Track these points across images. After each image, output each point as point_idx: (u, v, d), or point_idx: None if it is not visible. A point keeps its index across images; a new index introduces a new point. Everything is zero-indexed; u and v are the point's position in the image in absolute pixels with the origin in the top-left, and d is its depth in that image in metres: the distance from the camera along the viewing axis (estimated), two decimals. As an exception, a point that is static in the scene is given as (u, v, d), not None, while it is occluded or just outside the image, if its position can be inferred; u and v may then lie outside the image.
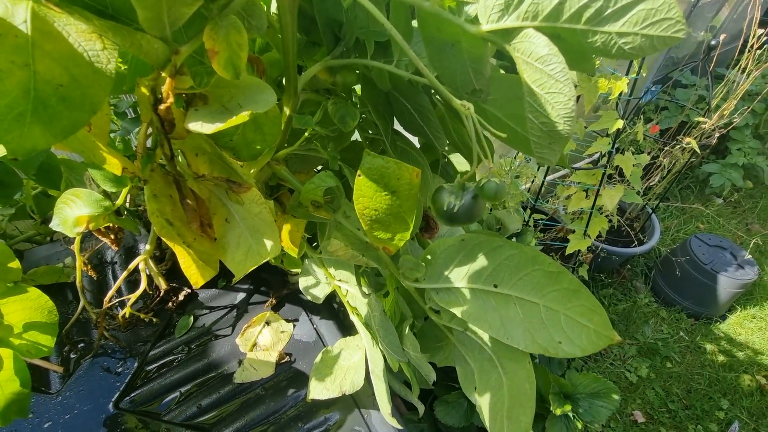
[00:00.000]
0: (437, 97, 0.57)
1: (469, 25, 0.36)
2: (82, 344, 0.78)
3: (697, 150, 1.94)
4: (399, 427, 0.69)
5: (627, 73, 1.55)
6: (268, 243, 0.48)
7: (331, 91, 0.55)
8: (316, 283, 0.77)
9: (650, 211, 2.50)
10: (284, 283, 0.92)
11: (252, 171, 0.52)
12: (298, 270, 0.80)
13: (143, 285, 0.67)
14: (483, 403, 0.53)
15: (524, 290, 0.47)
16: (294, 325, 0.84)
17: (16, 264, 0.59)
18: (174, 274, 0.88)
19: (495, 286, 0.48)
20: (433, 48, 0.40)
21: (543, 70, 0.33)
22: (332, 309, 0.88)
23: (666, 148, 2.14)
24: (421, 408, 0.73)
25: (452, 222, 0.44)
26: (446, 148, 0.66)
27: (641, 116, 2.56)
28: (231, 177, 0.47)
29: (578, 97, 1.52)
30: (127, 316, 0.78)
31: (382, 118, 0.54)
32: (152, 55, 0.36)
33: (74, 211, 0.56)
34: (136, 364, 0.76)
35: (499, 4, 0.34)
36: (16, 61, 0.29)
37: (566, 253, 1.98)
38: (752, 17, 1.88)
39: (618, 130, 1.62)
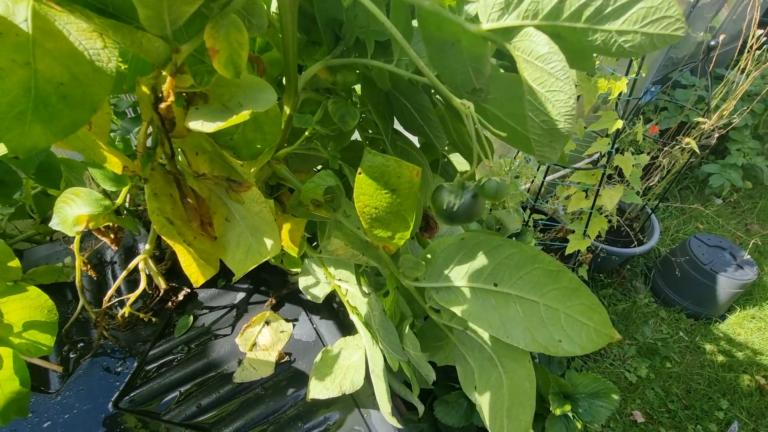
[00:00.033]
0: (437, 96, 0.57)
1: (470, 24, 0.36)
2: (81, 344, 0.78)
3: (697, 150, 1.94)
4: (399, 426, 0.69)
5: (626, 74, 1.55)
6: (268, 242, 0.48)
7: (332, 91, 0.55)
8: (316, 283, 0.77)
9: (650, 211, 2.50)
10: (284, 283, 0.92)
11: (252, 170, 0.52)
12: (298, 269, 0.80)
13: (143, 284, 0.67)
14: (483, 402, 0.53)
15: (524, 289, 0.47)
16: (294, 325, 0.84)
17: (15, 263, 0.59)
18: (173, 273, 0.88)
19: (495, 285, 0.48)
20: (433, 47, 0.40)
21: (543, 69, 0.33)
22: (332, 309, 0.88)
23: (665, 149, 2.14)
24: (420, 408, 0.73)
25: (452, 221, 0.44)
26: (446, 148, 0.66)
27: (641, 116, 2.56)
28: (231, 176, 0.47)
29: (578, 97, 1.52)
30: (126, 315, 0.78)
31: (382, 118, 0.54)
32: (153, 53, 0.36)
33: (74, 210, 0.56)
34: (135, 364, 0.76)
35: (499, 3, 0.34)
36: (16, 59, 0.29)
37: (566, 253, 1.98)
38: (752, 18, 1.89)
39: (617, 130, 1.62)
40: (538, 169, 2.05)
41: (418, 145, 0.63)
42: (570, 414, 1.29)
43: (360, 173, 0.43)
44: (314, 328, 0.84)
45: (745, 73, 1.99)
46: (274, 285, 0.91)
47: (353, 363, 0.70)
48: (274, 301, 0.88)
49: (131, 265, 0.64)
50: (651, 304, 2.55)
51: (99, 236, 0.65)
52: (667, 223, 3.00)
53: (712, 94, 2.01)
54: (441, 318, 0.59)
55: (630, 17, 0.30)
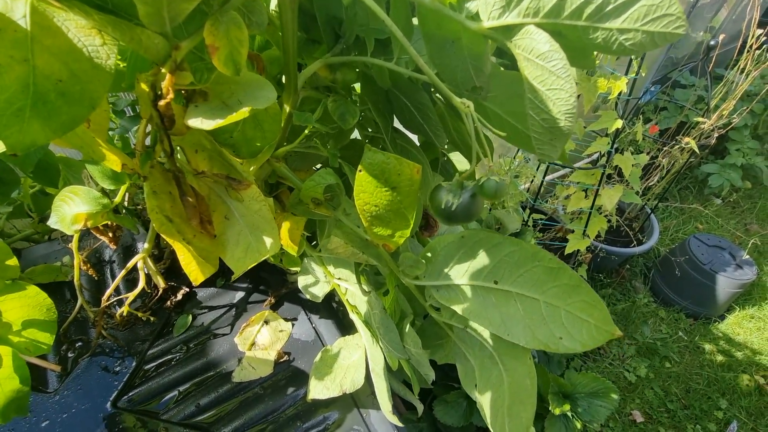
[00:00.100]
0: (437, 94, 0.57)
1: (470, 21, 0.36)
2: (79, 343, 0.78)
3: (696, 150, 1.94)
4: (399, 425, 0.68)
5: (626, 73, 1.55)
6: (268, 240, 0.48)
7: (331, 89, 0.55)
8: (316, 282, 0.77)
9: (649, 211, 2.50)
10: (283, 282, 0.91)
11: (252, 168, 0.52)
12: (298, 268, 0.80)
13: (141, 283, 0.66)
14: (484, 400, 0.52)
15: (525, 286, 0.47)
16: (293, 324, 0.84)
17: (13, 261, 0.59)
18: (172, 272, 0.88)
19: (495, 283, 0.48)
20: (434, 45, 0.40)
21: (544, 67, 0.33)
22: (331, 308, 0.88)
23: (665, 149, 2.14)
24: (420, 407, 0.73)
25: (450, 221, 0.44)
26: (446, 147, 0.66)
27: (640, 116, 2.56)
28: (231, 174, 0.47)
29: (578, 97, 1.51)
30: (125, 314, 0.78)
31: (381, 116, 0.54)
32: (152, 50, 0.36)
33: (72, 209, 0.56)
34: (134, 363, 0.76)
35: (500, 1, 0.34)
36: (15, 56, 0.29)
37: (565, 253, 1.98)
38: (751, 18, 1.89)
39: (617, 130, 1.62)
40: (537, 169, 2.05)
41: (417, 144, 0.63)
42: (569, 413, 1.29)
43: (360, 171, 0.43)
44: (313, 328, 0.84)
45: (744, 73, 2.00)
46: (273, 284, 0.91)
47: (353, 362, 0.70)
48: (273, 301, 0.87)
49: (130, 264, 0.64)
50: (650, 303, 2.55)
51: (97, 235, 0.65)
52: (667, 223, 3.00)
53: (712, 94, 2.01)
54: (441, 316, 0.59)
55: (631, 15, 0.30)
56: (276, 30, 0.50)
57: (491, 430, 0.52)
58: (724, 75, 2.23)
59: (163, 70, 0.37)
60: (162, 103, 0.38)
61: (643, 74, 1.58)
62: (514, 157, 2.03)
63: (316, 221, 0.65)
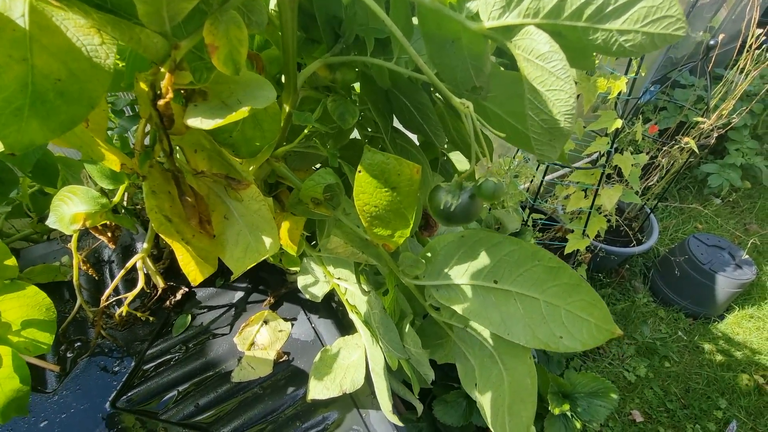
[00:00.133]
0: (437, 94, 0.57)
1: (470, 21, 0.36)
2: (78, 343, 0.78)
3: (696, 150, 1.94)
4: (399, 424, 0.68)
5: (626, 73, 1.55)
6: (267, 240, 0.48)
7: (331, 89, 0.55)
8: (315, 282, 0.77)
9: (649, 211, 2.50)
10: (283, 282, 0.91)
11: (251, 168, 0.52)
12: (297, 268, 0.80)
13: (141, 283, 0.66)
14: (484, 399, 0.52)
15: (524, 286, 0.47)
16: (292, 324, 0.84)
17: (12, 261, 0.59)
18: (172, 272, 0.88)
19: (495, 282, 0.48)
20: (433, 45, 0.40)
21: (544, 68, 0.33)
22: (331, 308, 0.88)
23: (664, 148, 2.14)
24: (419, 407, 0.73)
25: (449, 222, 0.44)
26: (445, 146, 0.66)
27: (640, 116, 2.56)
28: (230, 173, 0.47)
29: (577, 96, 1.52)
30: (124, 314, 0.77)
31: (381, 116, 0.54)
32: (151, 49, 0.36)
33: (71, 208, 0.56)
34: (133, 363, 0.75)
35: (500, 1, 0.34)
36: (13, 55, 0.29)
37: (565, 253, 1.97)
38: (751, 18, 1.89)
39: (617, 129, 1.62)
40: (537, 169, 2.05)
41: (417, 144, 0.63)
42: (569, 413, 1.29)
43: (360, 171, 0.43)
44: (313, 328, 0.84)
45: (744, 73, 2.00)
46: (272, 284, 0.91)
47: (353, 362, 0.70)
48: (272, 300, 0.87)
49: (129, 264, 0.64)
50: (650, 303, 2.56)
51: (96, 235, 0.65)
52: (666, 222, 3.00)
53: (711, 93, 2.01)
54: (441, 316, 0.59)
55: (631, 16, 0.30)
56: (275, 29, 0.50)
57: (491, 429, 0.52)
58: (723, 75, 2.23)
59: (163, 70, 0.37)
60: (161, 102, 0.38)
61: (643, 74, 1.58)
62: (514, 157, 2.03)
63: (316, 221, 0.65)
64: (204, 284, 0.88)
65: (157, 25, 0.35)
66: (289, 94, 0.48)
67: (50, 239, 0.94)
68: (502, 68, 0.46)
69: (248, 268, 0.48)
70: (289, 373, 0.77)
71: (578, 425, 1.29)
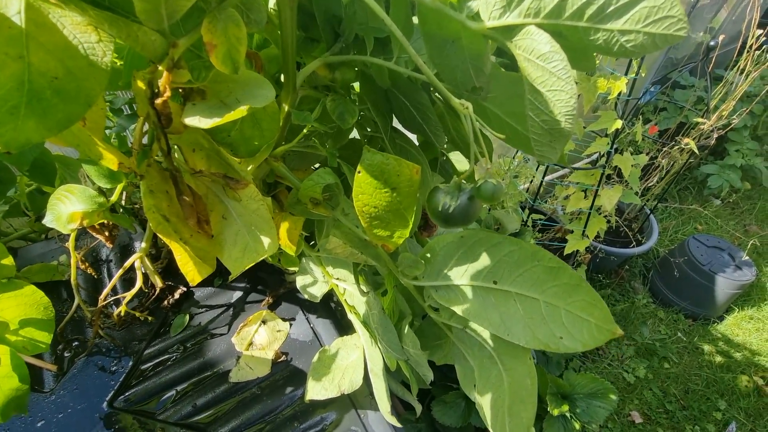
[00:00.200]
0: (436, 94, 0.57)
1: (471, 21, 0.35)
2: (76, 343, 0.77)
3: (696, 151, 1.94)
4: (397, 425, 0.68)
5: (626, 74, 1.55)
6: (266, 240, 0.47)
7: (330, 88, 0.54)
8: (314, 282, 0.77)
9: (648, 211, 2.50)
10: (281, 282, 0.91)
11: (250, 167, 0.51)
12: (296, 268, 0.80)
13: (139, 283, 0.66)
14: (483, 400, 0.52)
15: (524, 286, 0.47)
16: (291, 324, 0.84)
17: (9, 260, 0.58)
18: (170, 272, 0.87)
19: (495, 283, 0.48)
20: (433, 45, 0.40)
21: (545, 68, 0.33)
22: (329, 308, 0.87)
23: (664, 149, 2.14)
24: (418, 408, 0.73)
25: (447, 224, 0.43)
26: (445, 146, 0.66)
27: (640, 117, 2.56)
28: (228, 173, 0.47)
29: (577, 97, 1.51)
30: (122, 314, 0.77)
31: (381, 116, 0.54)
32: (149, 47, 0.35)
33: (68, 207, 0.55)
34: (131, 363, 0.75)
35: (501, 1, 0.33)
36: (9, 53, 0.29)
37: (564, 254, 1.97)
38: (751, 18, 1.89)
39: (617, 130, 1.62)
40: (537, 169, 2.05)
41: (416, 144, 0.62)
42: (568, 414, 1.29)
43: (359, 172, 0.43)
44: (311, 328, 0.84)
45: (744, 74, 2.00)
46: (271, 284, 0.91)
47: (351, 363, 0.70)
48: (271, 300, 0.87)
49: (127, 264, 0.63)
50: (649, 304, 2.56)
51: (94, 234, 0.65)
52: (666, 223, 3.00)
53: (712, 94, 2.01)
54: (440, 317, 0.59)
55: (632, 16, 0.30)
56: (275, 28, 0.50)
57: (491, 430, 0.52)
58: (723, 76, 2.23)
59: (160, 68, 0.36)
60: (159, 101, 0.37)
61: (643, 75, 1.58)
62: (514, 157, 2.02)
63: (315, 221, 0.65)
64: (202, 284, 0.88)
65: (155, 22, 0.35)
66: (288, 94, 0.48)
67: (48, 238, 0.94)
68: (502, 69, 0.46)
69: (246, 268, 0.48)
70: (287, 373, 0.77)
71: (577, 426, 1.29)
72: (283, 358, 0.78)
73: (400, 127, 0.59)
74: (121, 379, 0.73)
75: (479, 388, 0.53)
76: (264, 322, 0.83)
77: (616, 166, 1.78)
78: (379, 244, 0.50)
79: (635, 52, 0.31)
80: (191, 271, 0.49)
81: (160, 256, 0.87)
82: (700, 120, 2.04)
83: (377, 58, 0.47)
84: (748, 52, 1.94)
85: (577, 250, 2.00)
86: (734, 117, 2.14)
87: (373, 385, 0.66)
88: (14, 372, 0.56)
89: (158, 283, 0.70)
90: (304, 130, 0.54)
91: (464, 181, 0.43)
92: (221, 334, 0.81)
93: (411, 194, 0.45)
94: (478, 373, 0.54)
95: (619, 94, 1.51)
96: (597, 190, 1.82)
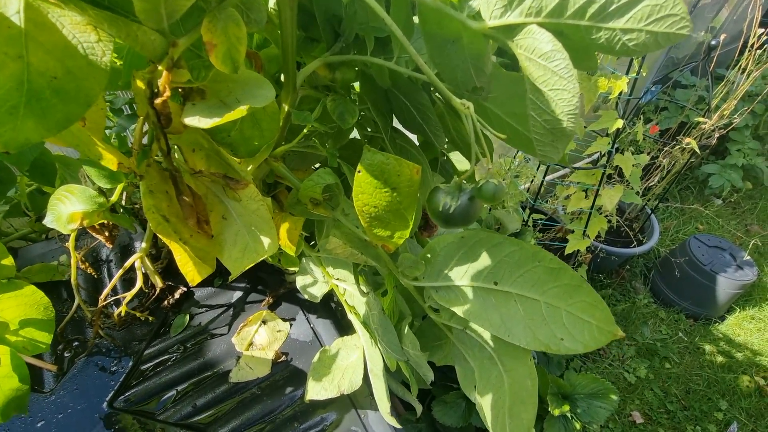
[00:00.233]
0: (437, 94, 0.56)
1: (472, 21, 0.35)
2: (76, 343, 0.77)
3: (697, 150, 1.94)
4: (397, 426, 0.68)
5: (627, 73, 1.54)
6: (266, 240, 0.47)
7: (330, 88, 0.54)
8: (314, 282, 0.77)
9: (649, 211, 2.50)
10: (281, 282, 0.91)
11: (249, 167, 0.51)
12: (296, 268, 0.80)
13: (139, 283, 0.66)
14: (484, 402, 0.52)
15: (525, 287, 0.47)
16: (291, 324, 0.84)
17: (9, 260, 0.58)
18: (170, 272, 0.87)
19: (495, 284, 0.48)
20: (434, 44, 0.40)
21: (546, 67, 0.33)
22: (330, 308, 0.87)
23: (665, 149, 2.14)
24: (419, 408, 0.72)
25: (448, 224, 0.43)
26: (445, 146, 0.66)
27: (641, 116, 2.56)
28: (228, 173, 0.47)
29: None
30: (122, 314, 0.77)
31: (381, 116, 0.54)
32: (149, 47, 0.35)
33: (68, 208, 0.55)
34: (131, 363, 0.75)
35: (502, 0, 0.33)
36: (9, 52, 0.29)
37: (565, 253, 1.97)
38: (752, 18, 1.88)
39: (618, 130, 1.61)
40: (537, 169, 2.04)
41: (417, 144, 0.62)
42: (568, 414, 1.29)
43: (359, 171, 0.42)
44: (311, 328, 0.84)
45: (745, 73, 1.99)
46: (271, 284, 0.91)
47: (351, 363, 0.70)
48: (271, 300, 0.87)
49: (127, 264, 0.63)
50: (650, 304, 2.55)
51: (94, 234, 0.65)
52: (667, 223, 3.00)
53: (713, 94, 2.00)
54: (440, 317, 0.59)
55: (634, 15, 0.30)
56: (275, 28, 0.50)
57: (491, 431, 0.52)
58: (725, 75, 2.23)
59: (160, 68, 0.36)
60: (158, 101, 0.37)
61: (644, 74, 1.58)
62: (514, 157, 2.02)
63: (315, 221, 0.65)
64: (202, 284, 0.88)
65: (155, 22, 0.34)
66: (288, 93, 0.48)
67: (48, 238, 0.94)
68: (503, 69, 0.46)
69: (246, 268, 0.48)
70: (287, 373, 0.77)
71: (578, 426, 1.28)
72: (283, 358, 0.78)
73: (400, 127, 0.59)
74: (121, 380, 0.73)
75: (479, 389, 0.53)
76: (264, 322, 0.83)
77: (617, 166, 1.77)
78: (379, 245, 0.50)
79: (637, 51, 0.31)
80: (191, 271, 0.49)
81: (160, 256, 0.87)
82: (701, 119, 2.04)
83: (378, 58, 0.47)
84: (749, 51, 1.94)
85: (578, 250, 2.00)
86: (735, 116, 2.14)
87: (373, 385, 0.66)
88: (14, 372, 0.56)
89: (158, 283, 0.69)
90: (304, 130, 0.54)
91: (465, 182, 0.43)
92: (221, 334, 0.81)
93: (411, 194, 0.44)
94: (479, 374, 0.53)
95: (620, 93, 1.51)
96: (598, 190, 1.82)
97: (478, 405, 0.53)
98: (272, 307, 0.86)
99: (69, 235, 0.64)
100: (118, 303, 0.80)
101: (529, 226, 2.11)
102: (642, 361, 2.26)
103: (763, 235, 2.91)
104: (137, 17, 0.34)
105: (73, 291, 0.70)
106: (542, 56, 0.32)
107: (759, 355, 2.32)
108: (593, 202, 1.86)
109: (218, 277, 0.91)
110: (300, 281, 0.78)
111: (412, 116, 0.53)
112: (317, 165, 0.67)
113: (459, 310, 0.50)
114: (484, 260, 0.49)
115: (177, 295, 0.85)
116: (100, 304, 0.68)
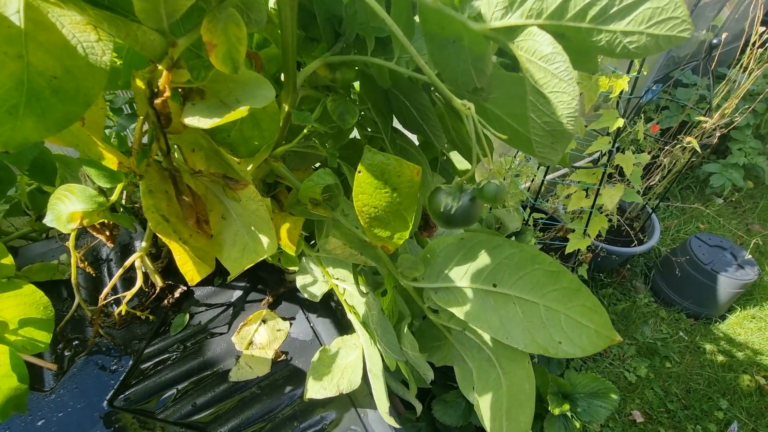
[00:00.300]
0: (437, 95, 0.56)
1: (472, 22, 0.35)
2: (76, 342, 0.77)
3: (698, 150, 1.93)
4: (396, 426, 0.68)
5: (628, 72, 1.54)
6: (265, 240, 0.47)
7: (331, 88, 0.54)
8: (314, 282, 0.77)
9: (650, 210, 2.49)
10: (281, 281, 0.91)
11: (249, 167, 0.51)
12: (296, 268, 0.80)
13: (139, 282, 0.66)
14: (482, 403, 0.52)
15: (524, 290, 0.46)
16: (291, 324, 0.84)
17: (9, 260, 0.58)
18: (170, 271, 0.87)
19: (494, 286, 0.48)
20: (435, 45, 0.39)
21: (547, 69, 0.33)
22: (329, 307, 0.87)
23: (666, 148, 2.13)
24: (418, 407, 0.72)
25: (449, 225, 0.43)
26: (445, 147, 0.66)
27: (642, 115, 2.55)
28: (228, 173, 0.47)
29: (579, 95, 1.51)
30: (122, 313, 0.77)
31: (381, 116, 0.54)
32: (148, 47, 0.35)
33: (68, 207, 0.55)
34: (131, 362, 0.75)
35: (503, 1, 0.33)
36: (8, 52, 0.29)
37: (566, 253, 1.97)
38: (754, 16, 1.88)
39: (618, 129, 1.61)
40: (538, 168, 2.04)
41: (417, 144, 0.62)
42: (569, 414, 1.29)
43: (359, 172, 0.42)
44: (311, 327, 0.84)
45: (747, 72, 1.99)
46: (271, 283, 0.91)
47: (351, 362, 0.70)
48: (271, 300, 0.87)
49: (127, 263, 0.63)
50: (651, 303, 2.55)
51: (94, 233, 0.65)
52: (668, 222, 3.00)
53: (714, 93, 2.00)
54: (439, 318, 0.58)
55: (635, 18, 0.30)
56: (275, 28, 0.50)
57: (489, 432, 0.52)
58: (726, 74, 2.22)
59: (160, 68, 0.36)
60: (158, 100, 0.37)
61: (645, 73, 1.57)
62: (515, 156, 2.02)
63: (315, 221, 0.65)
64: (202, 283, 0.88)
65: (155, 22, 0.34)
66: (288, 94, 0.48)
67: (49, 237, 0.94)
68: (503, 69, 0.46)
69: (246, 268, 0.48)
70: (287, 372, 0.77)
71: (578, 425, 1.28)
72: (283, 357, 0.78)
73: (400, 127, 0.58)
74: (121, 378, 0.73)
75: (478, 391, 0.53)
76: (264, 321, 0.83)
77: (617, 165, 1.77)
78: (378, 245, 0.49)
79: (638, 53, 0.31)
80: (190, 270, 0.49)
81: (160, 255, 0.87)
82: (702, 118, 2.03)
83: (378, 58, 0.47)
84: (750, 49, 1.93)
85: (579, 249, 2.00)
86: (737, 115, 2.13)
87: (372, 385, 0.66)
88: (13, 371, 0.56)
89: (158, 282, 0.70)
90: (304, 131, 0.54)
91: (466, 182, 0.43)
92: (221, 334, 0.81)
93: (411, 195, 0.44)
94: (477, 376, 0.53)
95: (621, 92, 1.51)
96: (598, 189, 1.82)
97: (476, 406, 0.53)
98: (272, 306, 0.87)
99: (69, 234, 0.64)
100: (118, 302, 0.80)
101: (529, 225, 2.11)
102: (642, 360, 2.26)
103: (764, 235, 2.90)
104: (137, 17, 0.33)
105: (73, 290, 0.70)
106: (543, 58, 0.32)
107: (760, 355, 2.32)
108: (594, 201, 1.85)
109: (218, 276, 0.91)
110: (300, 280, 0.78)
111: (413, 116, 0.53)
112: (317, 165, 0.67)
113: (458, 312, 0.50)
114: (484, 262, 0.49)
115: (177, 294, 0.85)
116: (100, 303, 0.68)
